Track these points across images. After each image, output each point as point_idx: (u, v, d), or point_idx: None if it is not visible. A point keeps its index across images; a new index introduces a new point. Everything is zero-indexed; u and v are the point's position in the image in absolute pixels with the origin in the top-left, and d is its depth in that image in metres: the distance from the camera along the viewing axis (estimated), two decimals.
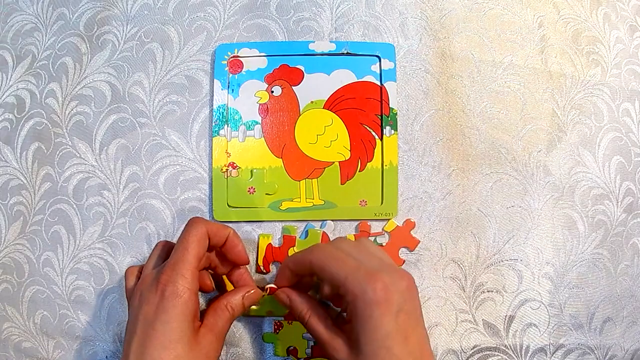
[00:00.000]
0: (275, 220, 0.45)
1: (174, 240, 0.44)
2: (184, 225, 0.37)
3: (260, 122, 0.45)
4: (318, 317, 0.36)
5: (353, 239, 0.43)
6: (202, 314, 0.38)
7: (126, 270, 0.39)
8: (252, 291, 0.39)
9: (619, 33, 0.48)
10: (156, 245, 0.40)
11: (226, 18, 0.47)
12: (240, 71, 0.46)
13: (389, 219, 0.44)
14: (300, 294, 0.38)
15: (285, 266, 0.38)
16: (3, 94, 0.48)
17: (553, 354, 0.44)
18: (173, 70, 0.46)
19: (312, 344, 0.43)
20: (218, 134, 0.45)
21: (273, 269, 0.44)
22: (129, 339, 0.34)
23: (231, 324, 0.38)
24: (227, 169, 0.45)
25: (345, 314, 0.34)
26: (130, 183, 0.46)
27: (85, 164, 0.46)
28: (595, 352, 0.45)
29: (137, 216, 0.45)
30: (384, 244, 0.44)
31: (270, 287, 0.39)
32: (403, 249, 0.44)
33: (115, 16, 0.47)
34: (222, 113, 0.45)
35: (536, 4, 0.48)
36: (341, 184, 0.44)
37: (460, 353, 0.44)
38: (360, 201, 0.44)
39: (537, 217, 0.45)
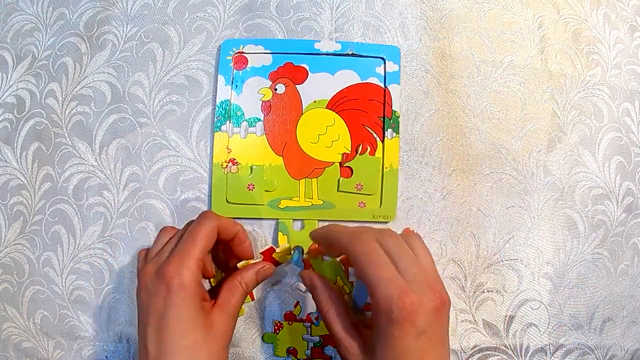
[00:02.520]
0: (273, 218, 0.45)
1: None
2: (195, 218, 0.37)
3: (262, 119, 0.45)
4: (337, 314, 0.36)
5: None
6: (215, 292, 0.38)
7: (139, 253, 0.39)
8: (266, 266, 0.40)
9: (619, 33, 0.48)
10: (162, 230, 0.39)
11: (226, 18, 0.47)
12: (245, 67, 0.45)
13: (386, 222, 0.44)
14: (325, 283, 0.37)
15: (326, 234, 0.37)
16: (3, 94, 0.48)
17: (553, 354, 0.44)
18: (173, 70, 0.46)
19: (312, 345, 0.43)
20: (220, 130, 0.45)
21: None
22: (144, 328, 0.35)
23: (244, 300, 0.39)
24: (227, 165, 0.45)
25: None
26: (130, 183, 0.46)
27: (85, 164, 0.46)
28: (595, 352, 0.45)
29: (137, 216, 0.45)
30: None
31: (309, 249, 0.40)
32: None
33: (115, 16, 0.47)
34: (225, 109, 0.45)
35: (536, 4, 0.48)
36: (340, 175, 0.45)
37: (461, 353, 0.44)
38: (359, 202, 0.44)
39: (537, 217, 0.45)
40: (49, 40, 0.48)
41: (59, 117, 0.47)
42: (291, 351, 0.44)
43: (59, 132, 0.46)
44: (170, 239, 0.38)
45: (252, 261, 0.40)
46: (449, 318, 0.33)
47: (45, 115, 0.47)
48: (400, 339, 0.31)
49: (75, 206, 0.46)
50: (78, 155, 0.46)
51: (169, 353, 0.33)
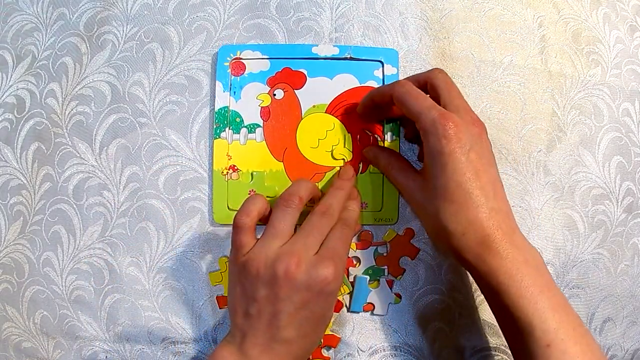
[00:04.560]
0: None
1: (176, 240, 0.45)
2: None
3: (261, 125, 0.45)
4: (399, 166, 0.40)
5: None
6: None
7: (239, 221, 0.36)
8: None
9: (619, 33, 0.48)
10: (291, 204, 0.37)
11: (226, 18, 0.47)
12: (243, 73, 0.45)
13: (388, 225, 0.44)
14: (384, 149, 0.43)
15: (370, 96, 0.41)
16: (3, 94, 0.48)
17: None
18: (173, 70, 0.46)
19: None
20: (219, 137, 0.45)
21: None
22: (273, 314, 0.34)
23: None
24: (227, 172, 0.45)
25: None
26: (130, 183, 0.46)
27: (85, 164, 0.46)
28: None
29: (137, 216, 0.45)
30: (385, 255, 0.44)
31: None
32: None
33: (115, 16, 0.47)
34: (224, 115, 0.45)
35: (536, 4, 0.48)
36: None
37: (461, 353, 0.44)
38: (362, 203, 0.44)
39: (537, 217, 0.45)
40: (49, 40, 0.48)
41: (59, 117, 0.47)
42: None
43: (59, 132, 0.46)
44: (311, 228, 0.37)
45: None
46: (491, 150, 0.36)
47: (45, 115, 0.47)
48: (450, 154, 0.33)
49: (75, 206, 0.46)
50: (78, 155, 0.46)
51: (308, 337, 0.36)
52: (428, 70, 0.39)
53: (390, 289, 0.44)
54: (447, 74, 0.38)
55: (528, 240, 0.35)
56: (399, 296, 0.44)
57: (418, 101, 0.36)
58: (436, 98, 0.37)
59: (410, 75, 0.41)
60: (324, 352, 0.44)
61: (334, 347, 0.44)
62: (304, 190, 0.38)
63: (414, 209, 0.39)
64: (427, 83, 0.38)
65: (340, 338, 0.44)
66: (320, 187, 0.44)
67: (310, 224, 0.37)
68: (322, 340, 0.43)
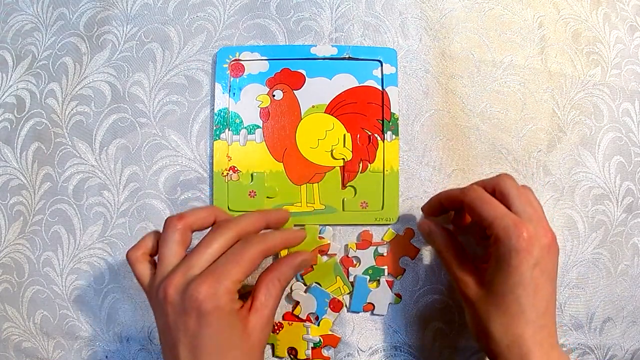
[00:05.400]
0: None
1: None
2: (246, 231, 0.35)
3: (261, 126, 0.45)
4: (454, 253, 0.38)
5: None
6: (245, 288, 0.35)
7: (131, 257, 0.35)
8: (305, 258, 0.37)
9: (619, 33, 0.48)
10: (171, 228, 0.34)
11: (226, 18, 0.47)
12: (242, 75, 0.45)
13: (388, 225, 0.44)
14: (440, 227, 0.40)
15: (438, 198, 0.40)
16: (3, 94, 0.48)
17: None
18: (173, 70, 0.46)
19: (312, 345, 0.43)
20: (219, 138, 0.45)
21: None
22: (173, 343, 0.32)
23: (280, 299, 0.37)
24: (227, 173, 0.45)
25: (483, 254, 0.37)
26: (130, 183, 0.46)
27: (85, 164, 0.46)
28: (595, 352, 0.45)
29: (137, 216, 0.45)
30: (384, 255, 0.44)
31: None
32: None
33: (115, 16, 0.47)
34: (223, 117, 0.45)
35: (536, 4, 0.48)
36: (342, 189, 0.44)
37: (461, 353, 0.44)
38: (361, 202, 0.44)
39: None
40: (49, 40, 0.48)
41: (59, 117, 0.47)
42: (291, 351, 0.44)
43: (59, 132, 0.46)
44: (199, 246, 0.34)
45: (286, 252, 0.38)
46: (557, 260, 0.36)
47: (45, 115, 0.47)
48: (517, 268, 0.33)
49: (75, 206, 0.46)
50: (78, 155, 0.46)
51: None
52: (496, 176, 0.38)
53: (390, 289, 0.44)
54: (514, 180, 0.37)
55: (563, 352, 0.35)
56: (399, 296, 0.44)
57: (491, 207, 0.35)
58: (506, 204, 0.36)
59: (479, 182, 0.39)
60: (324, 352, 0.44)
61: (334, 347, 0.44)
62: (194, 215, 0.35)
63: (463, 301, 0.37)
64: (495, 189, 0.37)
65: (340, 338, 0.44)
66: (319, 187, 0.44)
67: (202, 241, 0.34)
68: (322, 340, 0.43)
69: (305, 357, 0.43)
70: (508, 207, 0.35)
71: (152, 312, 0.44)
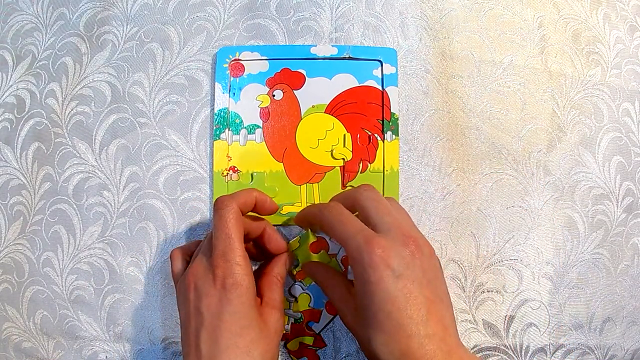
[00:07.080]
0: (275, 225, 0.44)
1: (176, 240, 0.45)
2: (213, 214, 0.37)
3: (261, 126, 0.45)
4: (334, 285, 0.38)
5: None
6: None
7: (171, 254, 0.40)
8: (287, 256, 0.41)
9: (619, 33, 0.48)
10: (208, 236, 0.39)
11: (226, 18, 0.47)
12: (242, 74, 0.45)
13: None
14: (320, 265, 0.40)
15: (303, 216, 0.39)
16: (3, 94, 0.48)
17: (553, 354, 0.44)
18: (173, 70, 0.46)
19: (293, 321, 0.43)
20: (219, 138, 0.45)
21: None
22: (197, 328, 0.34)
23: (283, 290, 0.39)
24: (227, 173, 0.45)
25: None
26: (130, 183, 0.46)
27: (85, 164, 0.46)
28: (595, 352, 0.45)
29: (137, 216, 0.45)
30: None
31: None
32: None
33: (115, 16, 0.47)
34: (223, 117, 0.45)
35: (536, 4, 0.48)
36: (342, 189, 0.44)
37: None
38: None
39: (537, 217, 0.45)
40: (49, 40, 0.48)
41: (59, 117, 0.47)
42: None
43: (59, 132, 0.46)
44: (206, 239, 0.38)
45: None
46: (438, 267, 0.34)
47: (45, 115, 0.47)
48: (377, 284, 0.31)
49: (75, 206, 0.46)
50: (78, 155, 0.46)
51: (225, 352, 0.33)
52: (356, 188, 0.37)
53: None
54: (374, 189, 0.36)
55: (469, 351, 0.34)
56: None
57: (345, 227, 0.33)
58: (366, 218, 0.34)
59: (339, 196, 0.38)
60: (308, 328, 0.44)
61: (317, 322, 0.43)
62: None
63: (350, 331, 0.36)
64: (354, 204, 0.36)
65: (321, 311, 0.43)
66: (320, 187, 0.44)
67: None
68: (303, 316, 0.43)
69: (285, 332, 0.43)
70: (366, 220, 0.34)
71: (152, 312, 0.45)
